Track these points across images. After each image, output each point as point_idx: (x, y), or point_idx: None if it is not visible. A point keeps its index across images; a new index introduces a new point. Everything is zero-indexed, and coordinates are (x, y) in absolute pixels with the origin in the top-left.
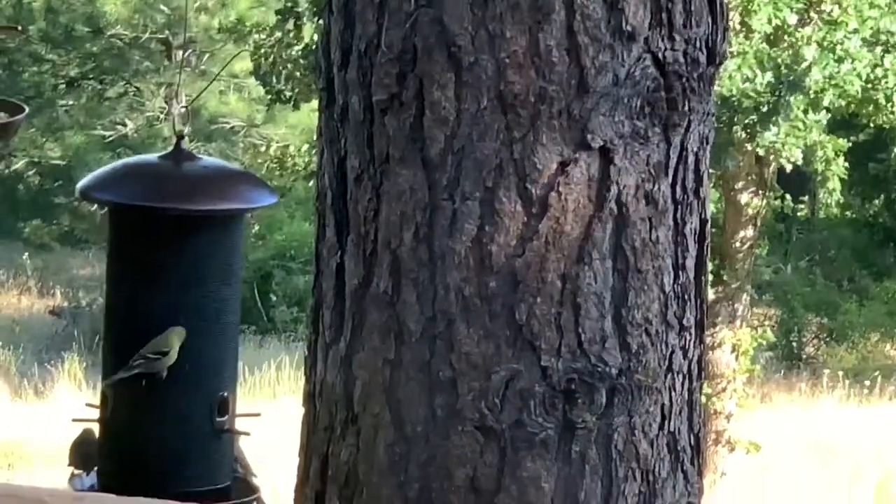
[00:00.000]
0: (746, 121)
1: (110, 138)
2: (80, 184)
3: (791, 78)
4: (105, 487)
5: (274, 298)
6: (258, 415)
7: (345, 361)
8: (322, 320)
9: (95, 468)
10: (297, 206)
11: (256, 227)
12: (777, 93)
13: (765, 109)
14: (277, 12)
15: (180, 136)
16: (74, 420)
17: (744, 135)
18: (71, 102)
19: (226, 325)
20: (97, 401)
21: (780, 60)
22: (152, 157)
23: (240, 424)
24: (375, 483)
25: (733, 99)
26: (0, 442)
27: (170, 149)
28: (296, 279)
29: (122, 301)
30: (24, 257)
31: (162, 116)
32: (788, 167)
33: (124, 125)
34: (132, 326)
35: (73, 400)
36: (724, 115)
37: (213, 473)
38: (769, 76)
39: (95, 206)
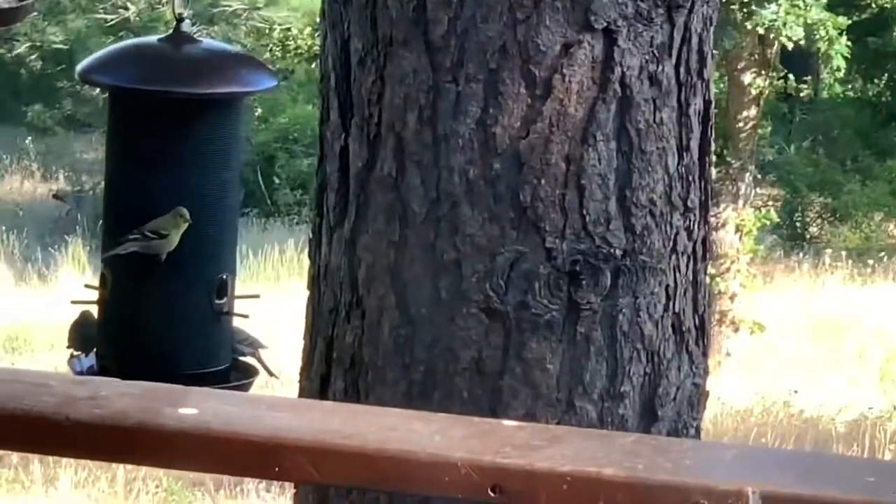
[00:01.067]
0: None
1: (112, 22)
2: (80, 66)
3: None
4: (103, 369)
5: (277, 181)
6: (257, 296)
7: (349, 244)
8: (326, 203)
9: (94, 350)
10: (299, 88)
11: (259, 111)
12: None
13: None
14: None
15: (180, 19)
16: (73, 302)
17: (741, 14)
18: None
19: (226, 208)
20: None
21: None
22: (152, 39)
23: (239, 307)
24: (380, 366)
25: None
26: (4, 326)
27: (170, 32)
28: (299, 162)
29: (121, 184)
30: (27, 141)
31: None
32: (790, 45)
33: (126, 9)
34: (131, 209)
35: (76, 284)
36: None
37: (212, 356)
38: None
39: (98, 89)
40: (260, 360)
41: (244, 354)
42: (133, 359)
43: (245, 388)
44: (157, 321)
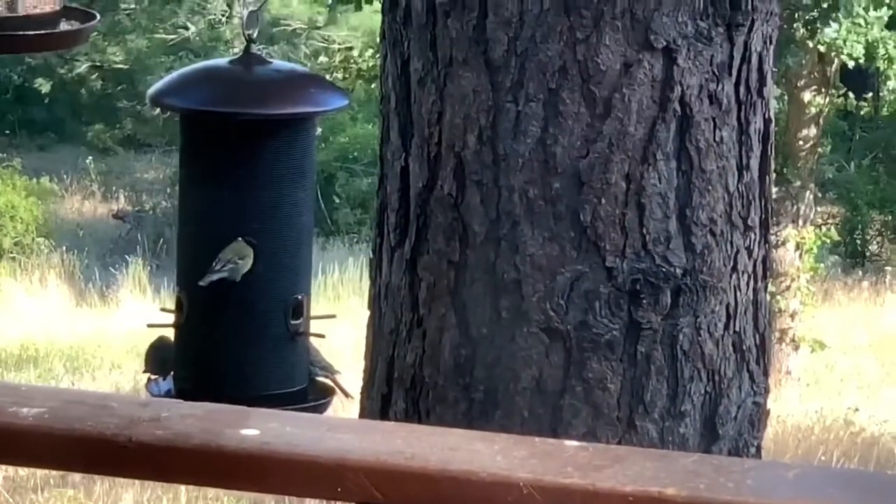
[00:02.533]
0: (807, 17)
1: (172, 42)
2: (151, 89)
3: None
4: (181, 392)
5: (337, 201)
6: (333, 316)
7: (410, 264)
8: (387, 223)
9: (171, 373)
10: (359, 108)
11: (319, 130)
12: None
13: (825, 5)
14: None
15: (250, 40)
16: (150, 325)
17: (804, 31)
18: (133, 6)
19: (300, 228)
20: (163, 304)
21: None
22: (223, 61)
23: (314, 326)
24: (441, 385)
25: None
26: (65, 346)
27: (233, 53)
28: (359, 181)
29: (194, 207)
30: (88, 161)
31: (224, 19)
32: (851, 64)
33: (186, 28)
34: (206, 232)
35: (137, 304)
36: (785, 12)
37: (289, 376)
38: None
39: (158, 110)
40: (336, 383)
41: (318, 376)
42: (211, 381)
43: (322, 408)
44: (234, 343)
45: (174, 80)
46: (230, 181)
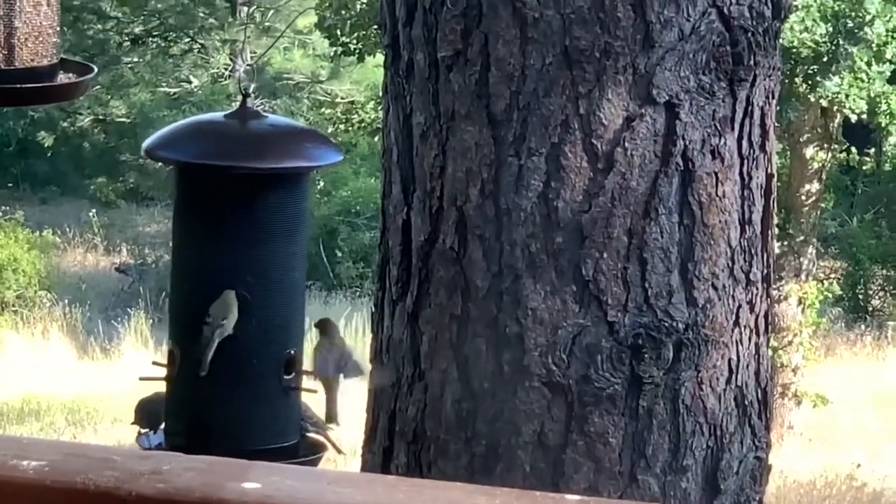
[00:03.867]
0: (808, 70)
1: (175, 95)
2: (146, 142)
3: (849, 26)
4: (172, 446)
5: (339, 254)
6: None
7: (411, 317)
8: (389, 276)
9: (162, 426)
10: (361, 161)
11: (321, 183)
12: (836, 42)
13: (825, 59)
14: None
15: (246, 94)
16: (142, 379)
17: (805, 86)
18: (136, 59)
19: (292, 283)
20: (163, 358)
21: (840, 11)
22: (218, 115)
23: (306, 382)
24: (443, 439)
25: (794, 50)
26: (67, 399)
27: (235, 106)
28: (361, 235)
29: (188, 260)
30: (91, 214)
31: (227, 73)
32: (853, 118)
33: (189, 82)
34: (199, 285)
35: (139, 357)
36: (786, 66)
37: (281, 431)
38: (828, 26)
39: (160, 163)
40: (327, 438)
41: (310, 431)
42: (202, 435)
43: (313, 463)
44: (226, 398)
45: (169, 132)
46: (224, 235)
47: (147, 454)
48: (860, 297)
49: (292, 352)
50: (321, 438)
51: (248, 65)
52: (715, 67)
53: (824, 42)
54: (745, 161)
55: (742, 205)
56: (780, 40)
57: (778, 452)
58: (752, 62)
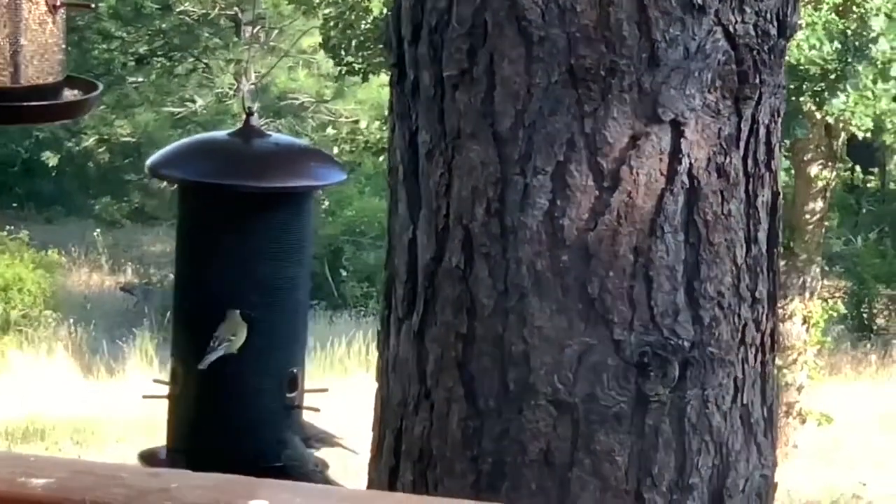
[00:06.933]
0: (815, 88)
1: (179, 115)
2: (150, 160)
3: (857, 43)
4: (174, 464)
5: (344, 274)
6: (326, 390)
7: (417, 336)
8: (395, 295)
9: (165, 445)
10: (366, 181)
11: (326, 203)
12: (844, 59)
13: (832, 77)
14: None
15: (249, 113)
16: (145, 397)
17: (812, 104)
18: (140, 79)
19: (296, 302)
20: (167, 376)
21: (847, 30)
22: (221, 133)
23: (309, 400)
24: (449, 458)
25: (801, 67)
26: (72, 419)
27: (239, 126)
28: (366, 255)
29: (191, 279)
30: (95, 234)
31: (231, 93)
32: (860, 135)
33: (193, 102)
34: (202, 304)
35: (144, 376)
36: (793, 84)
37: (284, 450)
38: (836, 44)
39: (165, 182)
40: (340, 445)
41: (315, 448)
42: (204, 453)
43: (317, 481)
44: (229, 415)
45: (173, 150)
46: (227, 253)
47: (155, 472)
48: (865, 315)
49: (295, 370)
50: (326, 456)
51: (251, 83)
52: (720, 86)
53: (832, 59)
54: (751, 179)
55: (748, 223)
56: (787, 58)
57: (783, 471)
58: (757, 80)
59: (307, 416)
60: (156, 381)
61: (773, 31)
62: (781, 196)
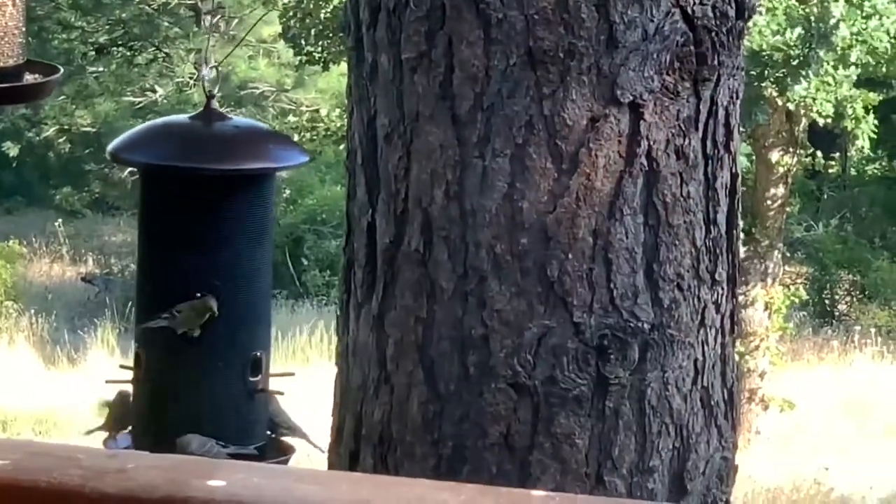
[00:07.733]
0: (777, 74)
1: (140, 105)
2: (111, 145)
3: (822, 29)
4: (139, 448)
5: (305, 263)
6: (292, 374)
7: (377, 320)
8: (354, 280)
9: (129, 428)
10: (327, 170)
11: (287, 192)
12: (808, 45)
13: (795, 63)
14: None
15: (210, 97)
16: (108, 381)
17: (774, 91)
18: (100, 69)
19: (259, 284)
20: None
21: (809, 15)
22: (183, 117)
23: (274, 384)
24: (409, 441)
25: (764, 53)
26: (34, 410)
27: (201, 109)
28: (327, 243)
29: (154, 262)
30: (56, 224)
31: (191, 82)
32: (821, 122)
33: (154, 91)
34: (164, 287)
35: (106, 367)
36: (755, 70)
37: (248, 433)
38: (799, 30)
39: (126, 172)
40: (305, 438)
41: (283, 435)
42: (168, 437)
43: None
44: (192, 399)
45: (134, 135)
46: (189, 237)
47: (113, 453)
48: (826, 301)
49: (258, 353)
50: (290, 442)
51: (211, 67)
52: (679, 67)
53: (795, 45)
54: (710, 161)
55: (707, 205)
56: (750, 44)
57: (746, 457)
58: (716, 62)
59: (282, 403)
60: (122, 366)
61: (732, 13)
62: (741, 178)
